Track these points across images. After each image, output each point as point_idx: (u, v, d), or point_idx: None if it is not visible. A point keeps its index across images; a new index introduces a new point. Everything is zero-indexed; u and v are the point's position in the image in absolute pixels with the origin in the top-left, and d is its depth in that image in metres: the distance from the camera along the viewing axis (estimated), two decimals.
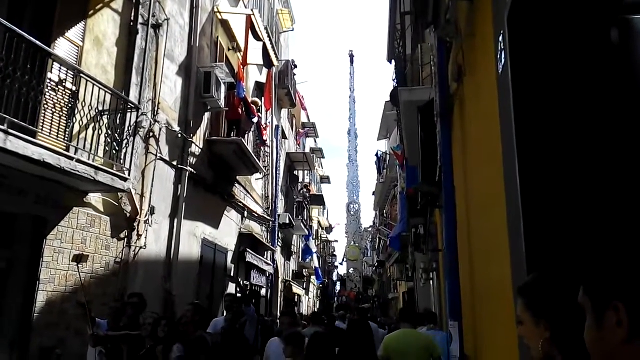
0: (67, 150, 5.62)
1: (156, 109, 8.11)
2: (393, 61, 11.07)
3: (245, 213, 13.16)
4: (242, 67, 11.33)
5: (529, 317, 1.34)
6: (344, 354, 4.79)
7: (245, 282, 12.95)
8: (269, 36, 14.29)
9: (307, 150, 26.90)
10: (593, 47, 2.11)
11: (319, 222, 35.43)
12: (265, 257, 15.15)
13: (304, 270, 26.20)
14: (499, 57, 2.47)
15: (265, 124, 14.48)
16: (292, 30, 20.48)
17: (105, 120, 6.34)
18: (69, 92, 5.87)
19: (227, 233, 11.62)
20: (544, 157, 2.13)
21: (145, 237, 7.68)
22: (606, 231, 1.87)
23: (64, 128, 5.77)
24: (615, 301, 0.84)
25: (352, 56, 46.57)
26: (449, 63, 4.68)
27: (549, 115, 2.15)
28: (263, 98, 14.45)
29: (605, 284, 0.89)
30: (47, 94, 5.51)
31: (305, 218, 23.52)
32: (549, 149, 2.13)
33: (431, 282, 10.99)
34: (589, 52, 2.12)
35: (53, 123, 5.62)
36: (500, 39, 2.38)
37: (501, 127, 2.53)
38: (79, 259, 5.10)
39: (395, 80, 9.30)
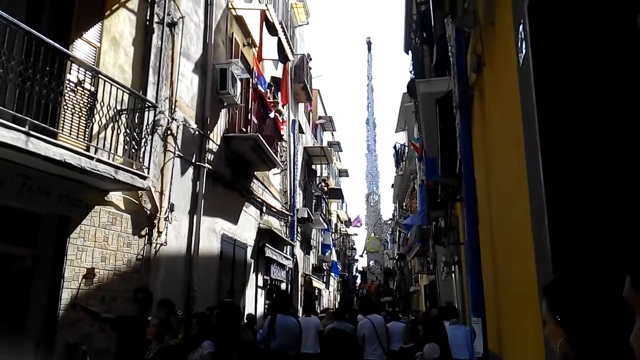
0: (87, 150, 5.70)
1: (173, 106, 8.17)
2: (410, 52, 10.94)
3: (264, 208, 13.20)
4: (257, 62, 11.34)
5: (550, 317, 1.31)
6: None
7: (265, 276, 13.02)
8: (283, 31, 14.25)
9: (325, 144, 26.85)
10: (617, 34, 2.04)
11: (337, 215, 35.43)
12: (284, 251, 15.21)
13: (324, 264, 26.23)
14: (519, 46, 2.40)
15: (282, 118, 14.48)
16: (307, 24, 20.38)
17: (124, 120, 6.40)
18: (88, 93, 5.93)
19: (246, 228, 11.68)
20: (569, 148, 2.07)
21: (166, 234, 7.76)
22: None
23: (83, 128, 5.84)
24: None
25: (369, 43, 46.01)
26: (467, 53, 4.59)
27: (572, 104, 2.08)
28: (279, 93, 14.45)
29: None
30: (67, 95, 5.58)
31: (324, 212, 23.52)
32: (574, 140, 2.06)
33: (453, 275, 10.89)
34: (613, 39, 2.04)
35: (73, 123, 5.69)
36: (521, 28, 2.32)
37: (523, 118, 2.47)
38: (89, 274, 6.07)
39: (412, 72, 9.19)
